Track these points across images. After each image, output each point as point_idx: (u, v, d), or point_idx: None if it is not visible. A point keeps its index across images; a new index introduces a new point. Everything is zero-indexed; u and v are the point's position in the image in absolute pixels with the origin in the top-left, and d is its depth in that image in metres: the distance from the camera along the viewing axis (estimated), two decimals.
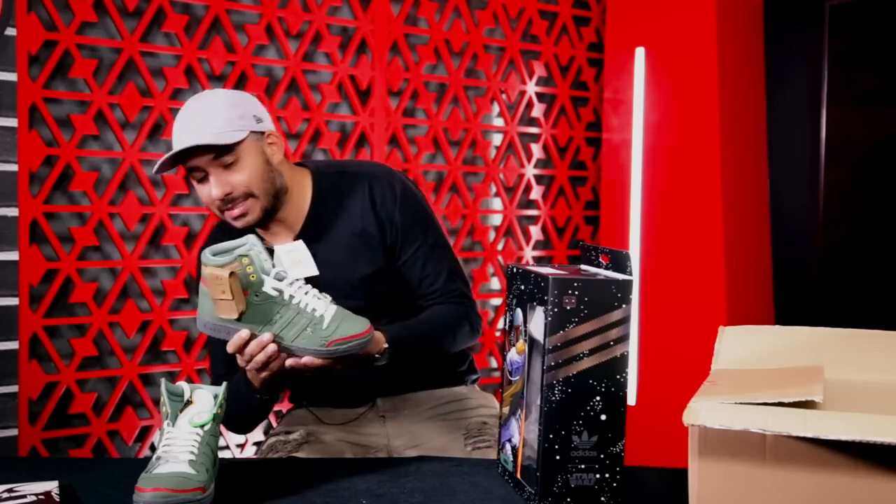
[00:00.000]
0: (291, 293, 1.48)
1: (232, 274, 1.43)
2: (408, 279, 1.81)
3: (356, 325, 1.49)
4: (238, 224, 1.71)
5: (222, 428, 1.59)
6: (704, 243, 3.07)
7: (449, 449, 1.75)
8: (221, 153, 1.66)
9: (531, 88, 3.34)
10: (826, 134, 3.23)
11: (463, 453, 1.72)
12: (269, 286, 1.46)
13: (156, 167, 1.68)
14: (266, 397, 1.66)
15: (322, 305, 1.48)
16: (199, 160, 1.66)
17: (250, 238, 1.47)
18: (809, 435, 0.98)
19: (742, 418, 1.01)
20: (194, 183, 1.71)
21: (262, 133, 1.72)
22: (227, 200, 1.68)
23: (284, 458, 1.70)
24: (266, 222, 1.75)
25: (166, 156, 1.66)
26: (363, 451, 1.80)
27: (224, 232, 1.79)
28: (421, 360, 1.76)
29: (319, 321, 1.47)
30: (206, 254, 1.46)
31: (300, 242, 1.76)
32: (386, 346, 1.61)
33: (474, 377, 1.96)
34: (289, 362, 1.49)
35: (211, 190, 1.67)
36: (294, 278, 1.50)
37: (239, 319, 1.46)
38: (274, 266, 1.48)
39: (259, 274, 1.45)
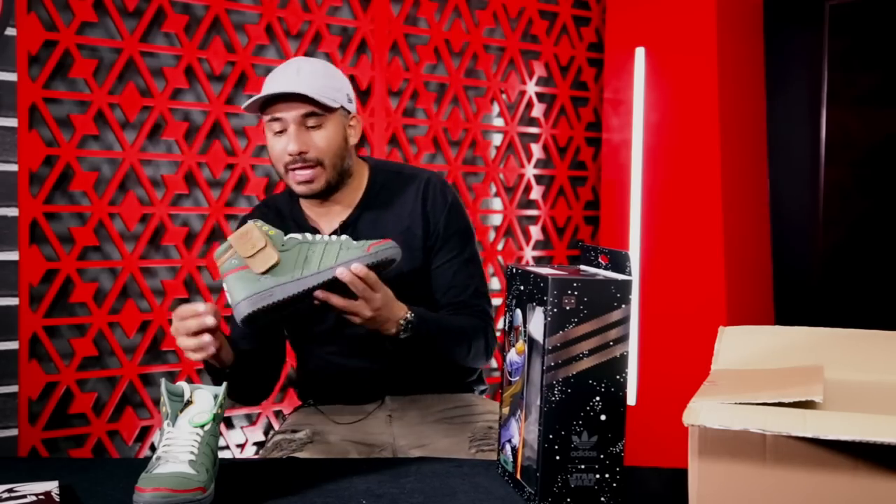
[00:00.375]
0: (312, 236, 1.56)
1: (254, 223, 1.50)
2: (436, 284, 1.83)
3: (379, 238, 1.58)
4: (301, 189, 1.75)
5: (223, 427, 1.59)
6: (704, 243, 3.07)
7: (453, 451, 1.75)
8: (313, 112, 1.70)
9: (531, 88, 3.34)
10: (826, 134, 3.23)
11: (467, 456, 1.72)
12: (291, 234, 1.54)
13: (245, 104, 1.71)
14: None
15: (343, 237, 1.55)
16: (289, 111, 1.70)
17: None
18: (809, 435, 0.98)
19: (742, 418, 1.01)
20: (269, 135, 1.74)
21: (349, 113, 1.78)
22: (298, 160, 1.71)
23: (284, 459, 1.70)
24: (325, 196, 1.78)
25: (260, 95, 1.69)
26: (368, 451, 1.80)
27: (262, 211, 1.88)
28: (435, 355, 1.76)
29: (348, 242, 1.54)
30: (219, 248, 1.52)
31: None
32: (410, 314, 1.62)
33: (483, 388, 1.98)
34: (339, 272, 1.49)
35: (288, 144, 1.71)
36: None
37: (276, 266, 1.48)
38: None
39: (275, 229, 1.52)
